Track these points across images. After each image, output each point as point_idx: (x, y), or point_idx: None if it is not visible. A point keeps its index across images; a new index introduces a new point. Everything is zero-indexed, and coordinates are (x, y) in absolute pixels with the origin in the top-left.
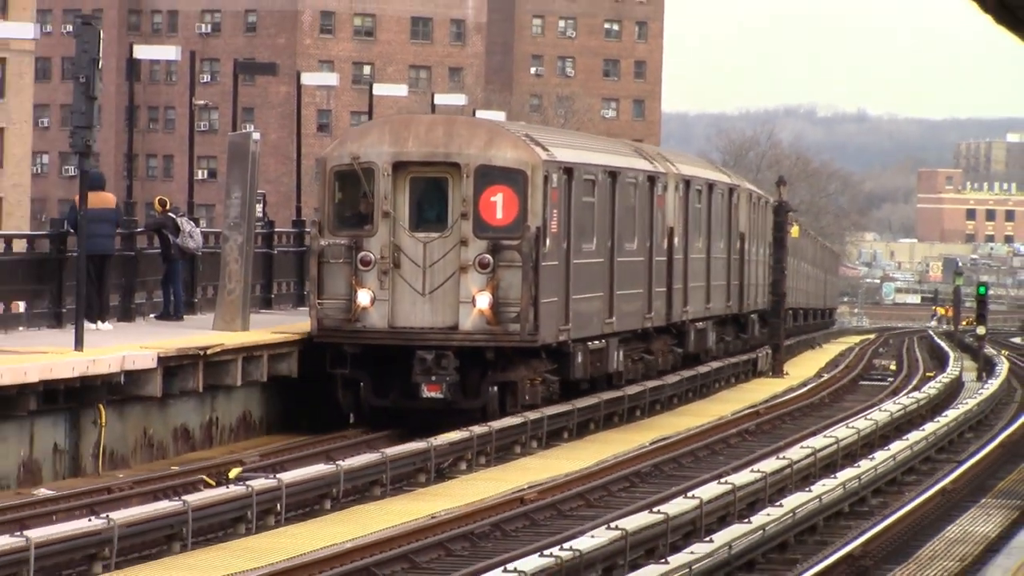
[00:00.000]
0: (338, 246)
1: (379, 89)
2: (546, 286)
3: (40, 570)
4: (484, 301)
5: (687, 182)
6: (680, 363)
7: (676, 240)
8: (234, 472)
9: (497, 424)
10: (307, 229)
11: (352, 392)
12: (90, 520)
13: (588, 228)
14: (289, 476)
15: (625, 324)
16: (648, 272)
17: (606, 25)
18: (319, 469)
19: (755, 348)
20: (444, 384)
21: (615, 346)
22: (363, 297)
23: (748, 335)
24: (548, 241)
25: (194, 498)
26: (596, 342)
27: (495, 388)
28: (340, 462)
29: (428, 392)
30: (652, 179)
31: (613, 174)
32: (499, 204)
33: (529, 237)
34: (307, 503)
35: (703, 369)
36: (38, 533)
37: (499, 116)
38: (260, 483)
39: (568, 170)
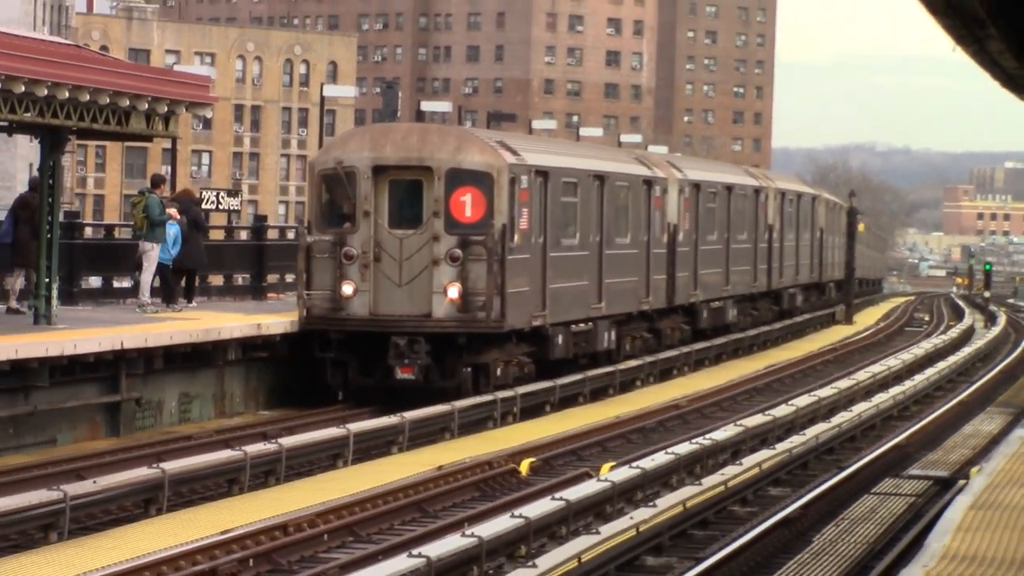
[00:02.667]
0: (324, 242)
1: (584, 132)
2: (514, 277)
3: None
4: (454, 291)
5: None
6: (776, 317)
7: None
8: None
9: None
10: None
11: (339, 373)
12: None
13: (571, 224)
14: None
15: (617, 307)
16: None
17: (735, 89)
18: (388, 420)
19: (832, 305)
20: (416, 367)
21: (605, 327)
22: (346, 288)
23: (826, 296)
24: (516, 237)
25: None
26: (582, 324)
27: (468, 369)
28: (404, 414)
29: (401, 374)
30: (649, 182)
31: (601, 177)
32: (468, 203)
33: (493, 233)
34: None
35: (799, 319)
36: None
37: (662, 150)
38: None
39: (543, 173)
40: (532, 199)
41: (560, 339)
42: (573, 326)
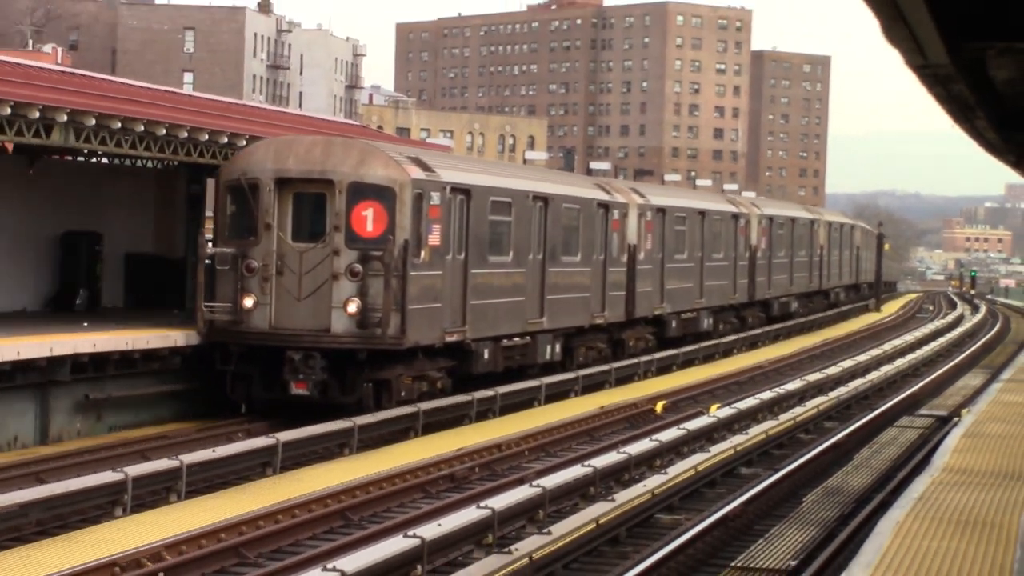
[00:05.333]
0: (225, 254)
1: (699, 182)
2: (420, 293)
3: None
4: (353, 306)
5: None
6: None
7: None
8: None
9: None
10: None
11: (241, 386)
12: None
13: (503, 243)
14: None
15: (564, 321)
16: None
17: (800, 154)
18: (565, 375)
19: (865, 299)
20: (310, 382)
21: (548, 340)
22: (247, 301)
23: (861, 293)
24: (424, 253)
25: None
26: (517, 339)
27: (369, 385)
28: (579, 372)
29: (296, 389)
30: (605, 206)
31: (545, 199)
32: (369, 218)
33: (391, 249)
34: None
35: (842, 309)
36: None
37: (751, 194)
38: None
39: (463, 191)
40: (448, 216)
41: (487, 353)
42: (505, 340)
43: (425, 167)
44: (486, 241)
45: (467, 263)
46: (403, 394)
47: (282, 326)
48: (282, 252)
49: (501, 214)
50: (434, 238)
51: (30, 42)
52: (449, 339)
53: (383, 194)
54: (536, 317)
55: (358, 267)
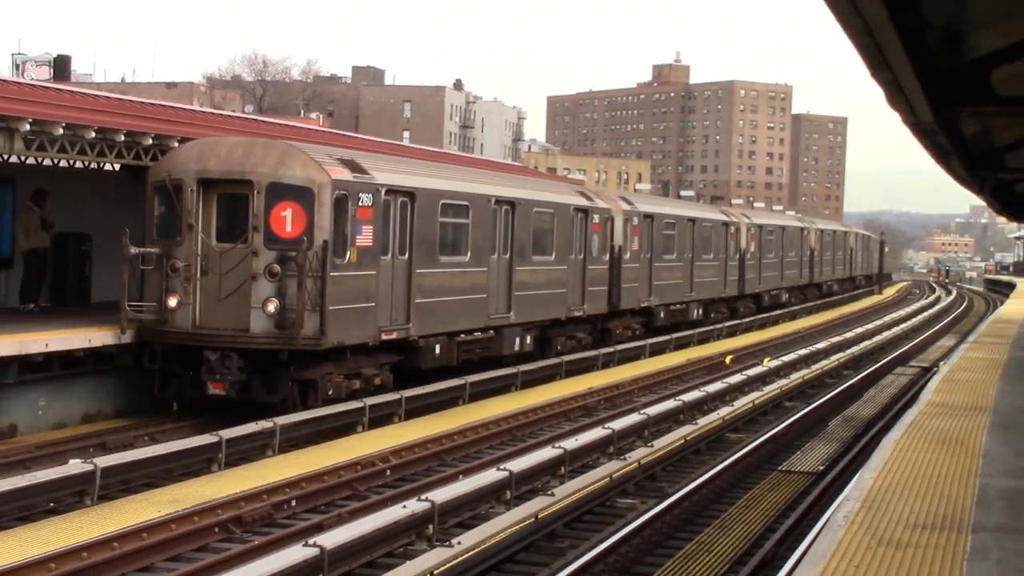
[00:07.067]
0: (150, 254)
1: (757, 205)
2: (344, 294)
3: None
4: (271, 307)
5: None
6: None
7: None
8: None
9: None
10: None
11: (170, 385)
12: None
13: (458, 243)
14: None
15: (535, 316)
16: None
17: (826, 185)
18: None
19: (861, 287)
20: (227, 382)
21: (517, 333)
22: (171, 301)
23: (856, 283)
24: (350, 254)
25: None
26: (478, 333)
27: (294, 384)
28: (674, 335)
29: (212, 389)
30: (584, 211)
31: (512, 203)
32: (288, 219)
33: (304, 249)
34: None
35: (858, 292)
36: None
37: (791, 213)
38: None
39: (407, 194)
40: (385, 218)
41: (438, 349)
42: (463, 335)
43: (356, 169)
44: (435, 242)
45: (411, 263)
46: (331, 392)
47: (206, 326)
48: (205, 252)
49: (457, 216)
50: (364, 239)
51: (301, 111)
52: (387, 337)
53: (301, 195)
54: (502, 312)
55: (277, 268)
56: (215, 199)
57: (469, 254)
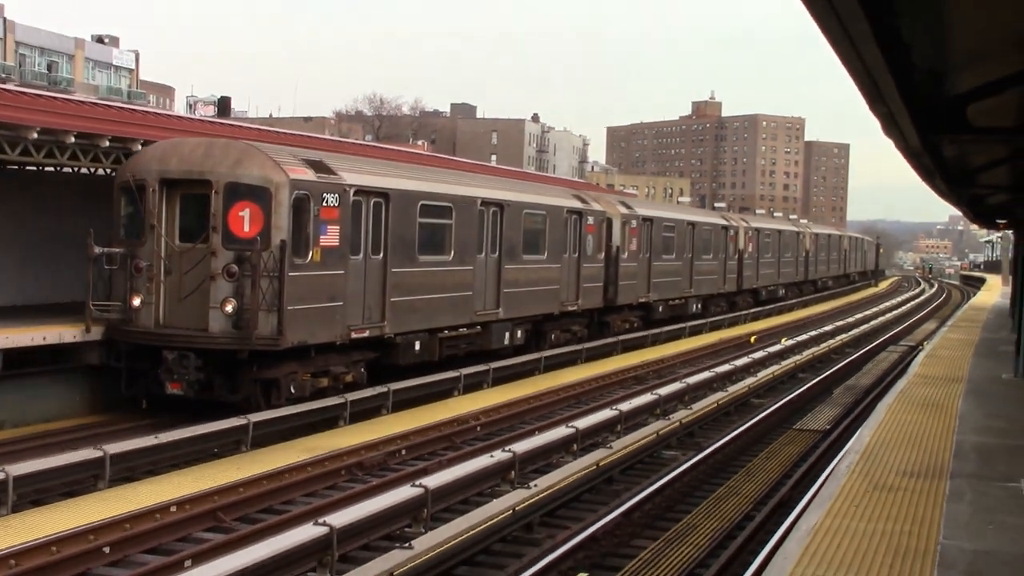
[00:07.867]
0: (115, 254)
1: (777, 214)
2: (303, 294)
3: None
4: (230, 307)
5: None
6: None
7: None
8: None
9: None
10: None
11: (136, 383)
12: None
13: (440, 243)
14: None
15: (524, 311)
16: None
17: (832, 198)
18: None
19: (854, 282)
20: (185, 382)
21: (507, 328)
22: (135, 300)
23: (850, 279)
24: (313, 253)
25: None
26: (463, 329)
27: (256, 383)
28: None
29: (171, 389)
30: (579, 213)
31: (500, 205)
32: (246, 219)
33: (258, 249)
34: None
35: (857, 284)
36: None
37: (804, 221)
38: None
39: (381, 194)
40: (354, 218)
41: (417, 345)
42: (447, 331)
43: (322, 169)
44: (414, 242)
45: (386, 262)
46: (294, 391)
47: (169, 325)
48: (168, 252)
49: (438, 217)
50: (329, 239)
51: (411, 139)
52: (358, 335)
53: (259, 194)
54: (490, 308)
55: (234, 268)
56: (177, 199)
57: (453, 253)
